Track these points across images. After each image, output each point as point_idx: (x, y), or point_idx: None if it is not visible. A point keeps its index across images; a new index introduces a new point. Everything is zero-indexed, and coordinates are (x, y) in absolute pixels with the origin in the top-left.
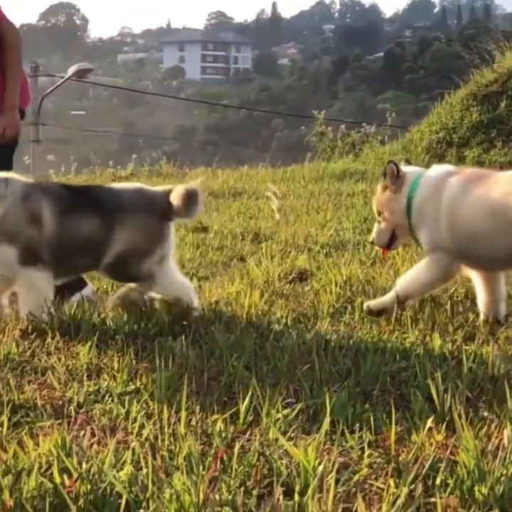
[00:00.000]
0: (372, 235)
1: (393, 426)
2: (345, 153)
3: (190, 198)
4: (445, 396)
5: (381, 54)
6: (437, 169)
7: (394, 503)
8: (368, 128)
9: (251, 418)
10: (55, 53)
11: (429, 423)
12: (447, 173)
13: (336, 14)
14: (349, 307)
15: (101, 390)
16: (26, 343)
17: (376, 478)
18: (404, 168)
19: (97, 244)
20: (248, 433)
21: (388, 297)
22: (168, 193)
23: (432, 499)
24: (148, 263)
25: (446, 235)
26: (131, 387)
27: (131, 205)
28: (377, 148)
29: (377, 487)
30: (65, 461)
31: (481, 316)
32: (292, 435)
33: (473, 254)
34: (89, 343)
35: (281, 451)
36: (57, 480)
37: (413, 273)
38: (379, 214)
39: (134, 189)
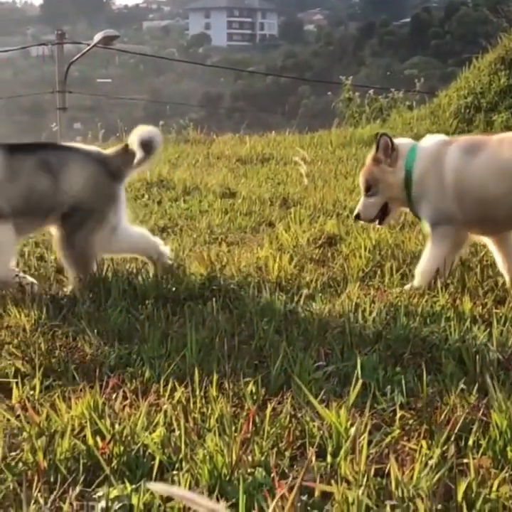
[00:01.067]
0: (358, 209)
1: (425, 388)
2: (373, 119)
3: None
4: (476, 358)
5: (407, 19)
6: (432, 139)
7: (426, 463)
8: (396, 93)
9: (282, 381)
10: (81, 21)
11: (461, 385)
12: (445, 141)
13: None
14: (378, 271)
15: (132, 354)
16: (57, 308)
17: (408, 440)
18: (395, 140)
19: (48, 193)
20: (279, 395)
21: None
22: (120, 151)
23: (465, 460)
24: (102, 233)
25: (452, 203)
26: (162, 350)
27: (81, 159)
28: (405, 114)
29: (410, 448)
30: (98, 423)
31: (507, 280)
32: (324, 397)
33: (485, 218)
34: (119, 308)
35: (313, 413)
36: (91, 442)
37: (426, 259)
38: (368, 188)
39: (87, 147)
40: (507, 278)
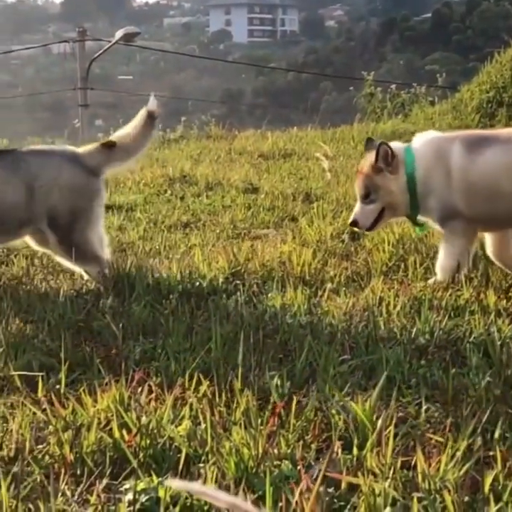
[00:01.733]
0: (355, 217)
1: (450, 381)
2: (395, 114)
3: (151, 116)
4: (502, 351)
5: (428, 15)
6: (426, 136)
7: (453, 456)
8: (418, 89)
9: (307, 374)
10: (102, 18)
11: (487, 378)
12: (446, 138)
13: None
14: (402, 265)
15: (157, 348)
16: (81, 303)
17: (434, 432)
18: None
19: (22, 200)
20: (305, 389)
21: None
22: (98, 148)
23: (491, 452)
24: (91, 227)
25: (460, 200)
26: (187, 345)
27: (55, 161)
28: (427, 109)
29: (436, 441)
30: (124, 417)
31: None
32: (349, 391)
33: (495, 215)
34: (143, 303)
35: (338, 406)
36: (117, 435)
37: (444, 256)
38: (367, 195)
39: (59, 148)
40: (498, 263)
